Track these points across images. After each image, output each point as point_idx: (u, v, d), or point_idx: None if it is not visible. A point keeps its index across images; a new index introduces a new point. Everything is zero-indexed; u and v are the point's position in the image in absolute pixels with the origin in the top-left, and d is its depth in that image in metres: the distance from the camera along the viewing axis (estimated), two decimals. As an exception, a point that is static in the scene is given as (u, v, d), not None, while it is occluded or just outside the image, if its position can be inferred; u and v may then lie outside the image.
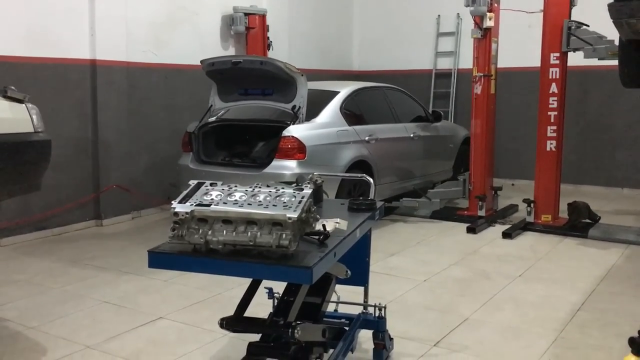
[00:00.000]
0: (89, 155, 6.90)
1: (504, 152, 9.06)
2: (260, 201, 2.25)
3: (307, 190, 2.35)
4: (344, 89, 6.89)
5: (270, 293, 3.13)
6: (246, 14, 8.53)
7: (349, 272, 3.05)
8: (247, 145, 6.51)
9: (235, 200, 2.27)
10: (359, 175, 3.84)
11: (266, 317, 2.61)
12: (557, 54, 6.54)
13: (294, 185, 2.45)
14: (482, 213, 7.03)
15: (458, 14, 10.14)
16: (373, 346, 3.38)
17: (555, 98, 6.61)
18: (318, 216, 2.42)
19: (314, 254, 2.24)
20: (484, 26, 6.83)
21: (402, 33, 10.78)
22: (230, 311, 2.57)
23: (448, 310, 4.35)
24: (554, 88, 6.60)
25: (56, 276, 5.12)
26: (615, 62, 5.40)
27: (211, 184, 2.40)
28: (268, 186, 2.39)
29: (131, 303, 4.48)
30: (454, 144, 8.41)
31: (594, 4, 5.83)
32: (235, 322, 2.52)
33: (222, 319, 2.51)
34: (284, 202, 2.24)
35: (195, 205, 2.23)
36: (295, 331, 2.39)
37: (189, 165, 6.30)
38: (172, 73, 7.73)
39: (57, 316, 4.21)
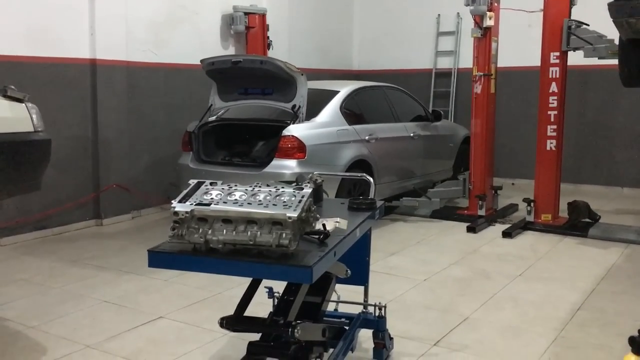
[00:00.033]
0: (89, 154, 6.90)
1: (504, 152, 9.06)
2: (260, 200, 2.25)
3: (307, 190, 2.35)
4: (344, 89, 6.88)
5: (270, 292, 3.13)
6: (246, 13, 8.52)
7: (349, 271, 3.05)
8: (247, 145, 6.51)
9: (235, 199, 2.27)
10: (359, 174, 3.84)
11: (266, 316, 2.61)
12: (557, 53, 6.54)
13: (294, 184, 2.45)
14: (482, 212, 7.04)
15: (458, 13, 10.14)
16: (373, 345, 3.38)
17: (555, 97, 6.61)
18: (318, 215, 2.42)
19: (314, 254, 2.23)
20: (484, 25, 6.83)
21: (402, 32, 10.78)
22: (230, 311, 2.57)
23: (448, 309, 4.35)
24: (554, 87, 6.60)
25: (56, 276, 5.12)
26: (615, 62, 5.40)
27: (211, 184, 2.40)
28: (268, 185, 2.39)
29: (131, 302, 4.48)
30: (454, 144, 8.40)
31: (594, 3, 5.82)
32: (235, 322, 2.52)
33: (222, 319, 2.51)
34: (284, 202, 2.24)
35: (195, 205, 2.23)
36: (295, 330, 2.39)
37: (189, 165, 6.30)
38: (172, 72, 7.73)
39: (57, 315, 4.21)
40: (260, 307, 2.89)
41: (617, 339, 3.73)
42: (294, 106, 5.97)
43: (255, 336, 2.70)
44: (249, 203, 2.24)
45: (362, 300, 3.41)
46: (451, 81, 10.35)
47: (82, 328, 4.01)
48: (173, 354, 3.62)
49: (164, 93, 7.67)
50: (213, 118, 6.50)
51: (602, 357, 3.60)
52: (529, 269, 5.30)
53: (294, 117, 5.95)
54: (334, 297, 3.27)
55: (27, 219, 6.28)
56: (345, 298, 3.41)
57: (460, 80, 10.12)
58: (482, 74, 6.97)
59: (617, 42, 5.36)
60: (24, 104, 3.90)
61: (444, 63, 10.54)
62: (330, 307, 3.26)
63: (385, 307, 3.36)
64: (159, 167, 7.55)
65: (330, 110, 6.48)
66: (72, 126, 6.70)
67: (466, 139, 8.02)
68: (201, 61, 6.16)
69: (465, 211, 7.30)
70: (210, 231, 2.21)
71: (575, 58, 6.81)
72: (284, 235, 2.15)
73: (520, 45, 8.79)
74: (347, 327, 3.16)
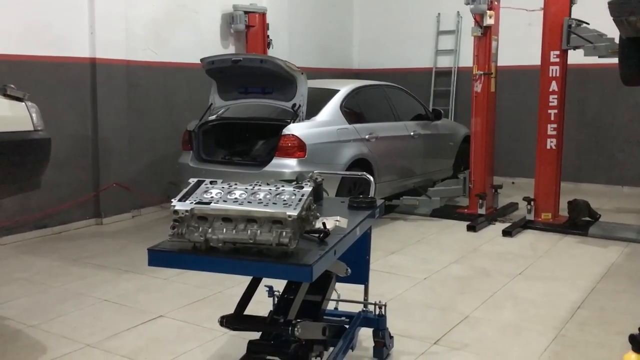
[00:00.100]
0: (89, 153, 6.90)
1: (504, 150, 9.06)
2: (260, 199, 2.26)
3: (307, 188, 2.35)
4: (344, 87, 6.88)
5: (271, 291, 3.13)
6: (246, 12, 8.51)
7: (349, 270, 3.05)
8: (247, 144, 6.51)
9: (235, 198, 2.27)
10: (359, 173, 3.84)
11: (266, 315, 2.61)
12: (557, 52, 6.54)
13: (294, 183, 2.45)
14: (482, 211, 7.03)
15: (458, 12, 10.13)
16: (373, 344, 3.39)
17: (556, 96, 6.61)
18: (318, 214, 2.42)
19: (314, 252, 2.23)
20: (484, 24, 6.82)
21: (402, 31, 10.78)
22: (230, 309, 2.57)
23: (448, 308, 4.35)
24: (554, 86, 6.60)
25: (56, 275, 5.12)
26: (615, 60, 5.40)
27: (211, 182, 2.40)
28: (268, 184, 2.39)
29: (131, 301, 4.48)
30: (454, 142, 8.40)
31: (594, 1, 5.83)
32: (236, 320, 2.52)
33: (222, 317, 2.51)
34: (284, 200, 2.24)
35: (195, 203, 2.24)
36: (296, 329, 2.39)
37: (189, 164, 6.30)
38: (172, 71, 7.73)
39: (58, 314, 4.22)
40: (261, 305, 2.89)
41: (617, 338, 3.73)
42: (294, 105, 5.97)
43: (256, 335, 2.70)
44: (249, 202, 2.24)
45: (362, 299, 3.41)
46: (451, 80, 10.35)
47: (83, 327, 4.01)
48: (173, 352, 3.62)
49: (163, 92, 7.67)
50: (213, 117, 6.50)
51: (602, 355, 3.60)
52: (529, 268, 5.30)
53: (294, 116, 5.94)
54: (334, 295, 3.27)
55: (27, 218, 6.28)
56: (345, 297, 3.41)
57: (461, 79, 10.12)
58: (482, 72, 6.96)
59: (617, 40, 5.36)
60: (23, 103, 3.90)
61: (444, 62, 10.54)
62: (331, 305, 3.27)
63: (385, 305, 3.36)
64: (159, 166, 7.56)
65: (331, 109, 6.48)
66: (72, 125, 6.70)
67: (466, 138, 8.02)
68: (201, 60, 6.16)
69: (466, 210, 7.30)
70: (210, 230, 2.21)
71: (576, 57, 6.81)
72: (284, 233, 2.15)
73: (520, 43, 8.79)
74: (347, 326, 3.17)
